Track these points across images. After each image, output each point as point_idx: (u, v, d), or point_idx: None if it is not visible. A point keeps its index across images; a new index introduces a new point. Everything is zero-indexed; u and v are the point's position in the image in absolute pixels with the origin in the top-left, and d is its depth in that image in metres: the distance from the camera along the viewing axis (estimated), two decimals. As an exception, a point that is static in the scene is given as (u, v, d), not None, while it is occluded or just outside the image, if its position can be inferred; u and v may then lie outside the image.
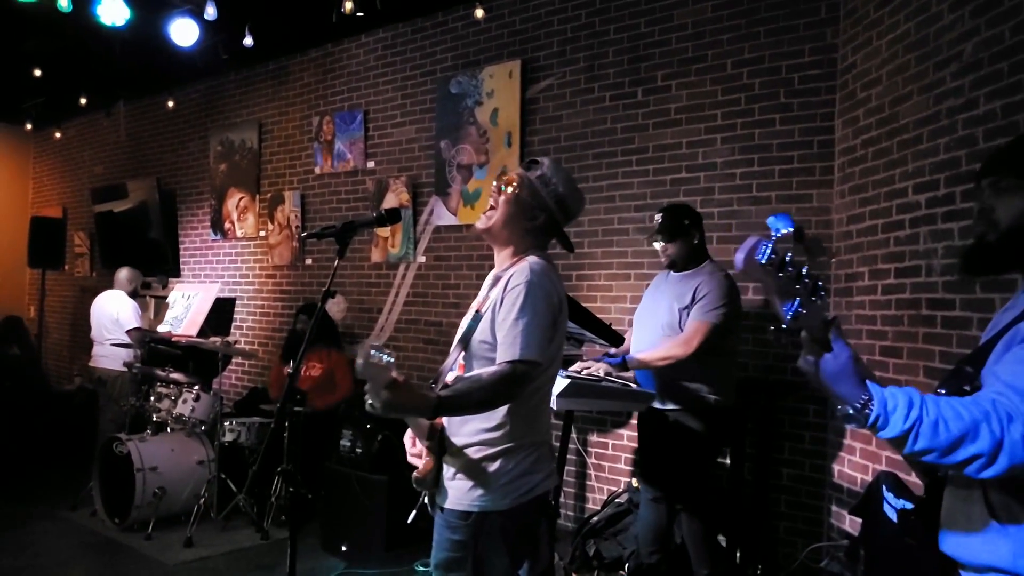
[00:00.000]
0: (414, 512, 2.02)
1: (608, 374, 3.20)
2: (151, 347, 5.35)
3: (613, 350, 3.44)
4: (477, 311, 1.94)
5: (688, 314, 3.18)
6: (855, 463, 3.48)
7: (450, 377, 1.93)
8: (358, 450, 4.20)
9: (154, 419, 4.80)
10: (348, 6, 4.75)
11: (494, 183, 1.98)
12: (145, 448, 4.45)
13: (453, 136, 5.22)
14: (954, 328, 2.87)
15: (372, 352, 1.54)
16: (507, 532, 1.82)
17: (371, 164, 5.77)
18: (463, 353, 1.92)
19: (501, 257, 1.99)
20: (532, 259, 1.89)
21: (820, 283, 1.19)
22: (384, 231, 5.53)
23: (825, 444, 3.75)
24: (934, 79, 3.02)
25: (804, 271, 1.17)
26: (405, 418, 1.86)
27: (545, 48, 4.82)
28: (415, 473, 1.94)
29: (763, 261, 1.14)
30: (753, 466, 3.84)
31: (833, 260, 3.74)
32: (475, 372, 1.86)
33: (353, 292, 5.84)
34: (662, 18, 4.32)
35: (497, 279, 1.93)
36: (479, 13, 4.96)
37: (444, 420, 1.93)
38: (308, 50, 6.23)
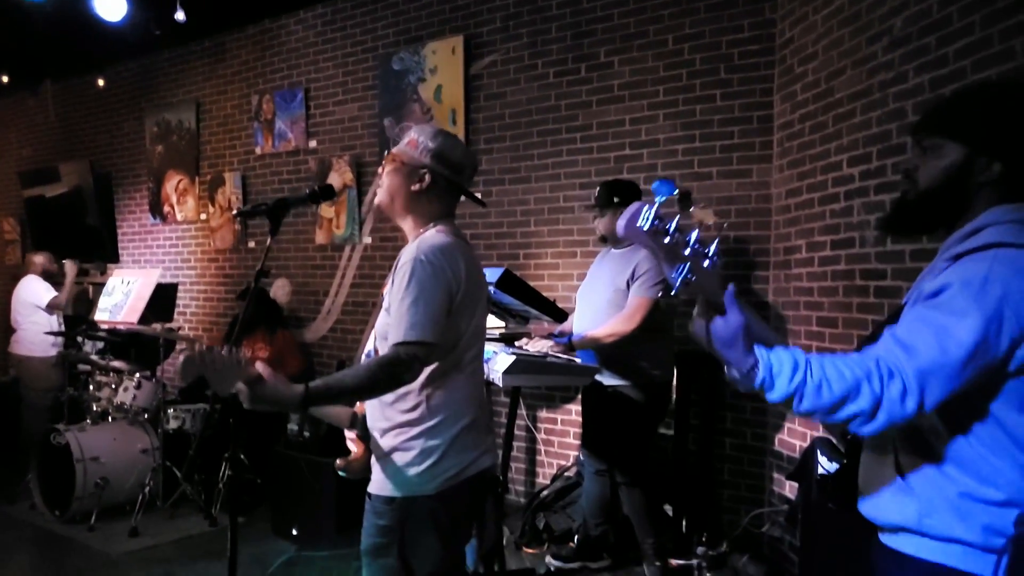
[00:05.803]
0: None
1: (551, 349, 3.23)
2: (86, 333, 5.21)
3: (558, 329, 3.46)
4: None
5: (626, 291, 3.22)
6: (794, 431, 3.57)
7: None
8: (306, 433, 4.16)
9: (94, 408, 4.68)
10: (284, -20, 4.62)
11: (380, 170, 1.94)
12: (84, 438, 4.31)
13: (397, 114, 5.14)
14: (886, 297, 2.96)
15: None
16: (437, 516, 1.76)
17: (313, 143, 5.66)
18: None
19: (408, 234, 1.92)
20: (427, 233, 1.84)
21: (711, 248, 1.17)
22: (328, 212, 5.43)
23: (766, 414, 3.84)
24: (866, 53, 3.08)
25: (692, 237, 1.16)
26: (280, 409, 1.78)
27: (488, 24, 4.77)
28: (338, 461, 1.89)
29: (645, 228, 1.12)
30: (697, 436, 3.92)
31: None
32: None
33: (298, 275, 5.73)
34: (604, -7, 4.30)
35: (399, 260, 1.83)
36: (420, -12, 4.88)
37: (365, 406, 1.88)
38: (245, 26, 6.04)
